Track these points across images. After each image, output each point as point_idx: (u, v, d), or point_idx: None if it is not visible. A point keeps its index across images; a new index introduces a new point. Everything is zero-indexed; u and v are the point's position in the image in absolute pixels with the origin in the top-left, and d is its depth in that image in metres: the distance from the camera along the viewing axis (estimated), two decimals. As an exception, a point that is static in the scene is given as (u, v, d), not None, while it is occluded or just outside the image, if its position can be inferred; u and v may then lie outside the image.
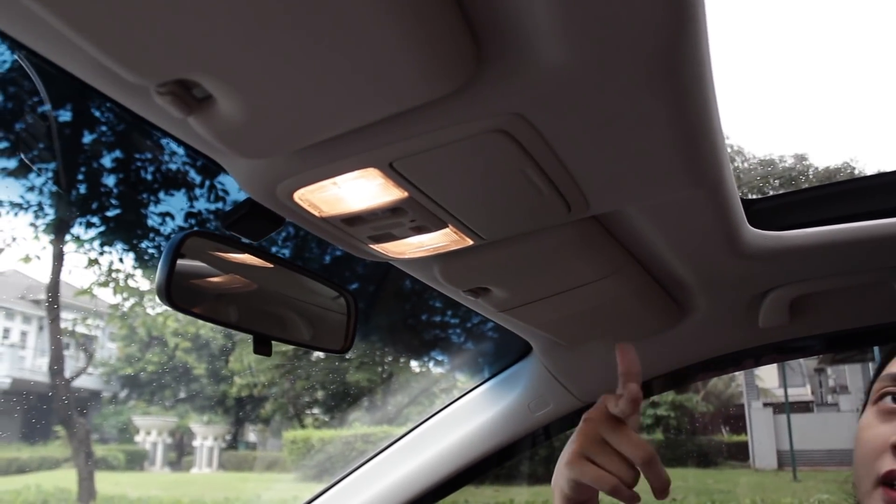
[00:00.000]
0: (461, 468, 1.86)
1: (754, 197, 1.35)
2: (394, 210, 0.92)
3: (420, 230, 0.98)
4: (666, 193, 1.01)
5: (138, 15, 0.57)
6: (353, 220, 0.95)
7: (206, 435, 15.38)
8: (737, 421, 17.14)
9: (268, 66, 0.63)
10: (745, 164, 12.20)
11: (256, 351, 1.04)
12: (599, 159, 0.89)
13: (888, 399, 0.97)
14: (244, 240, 1.01)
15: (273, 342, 1.09)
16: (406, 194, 0.88)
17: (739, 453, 16.18)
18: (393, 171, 0.83)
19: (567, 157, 0.87)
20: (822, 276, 1.46)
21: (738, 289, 1.48)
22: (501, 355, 1.93)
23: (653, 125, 0.83)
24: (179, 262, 0.95)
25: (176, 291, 0.95)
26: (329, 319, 1.25)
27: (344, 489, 1.93)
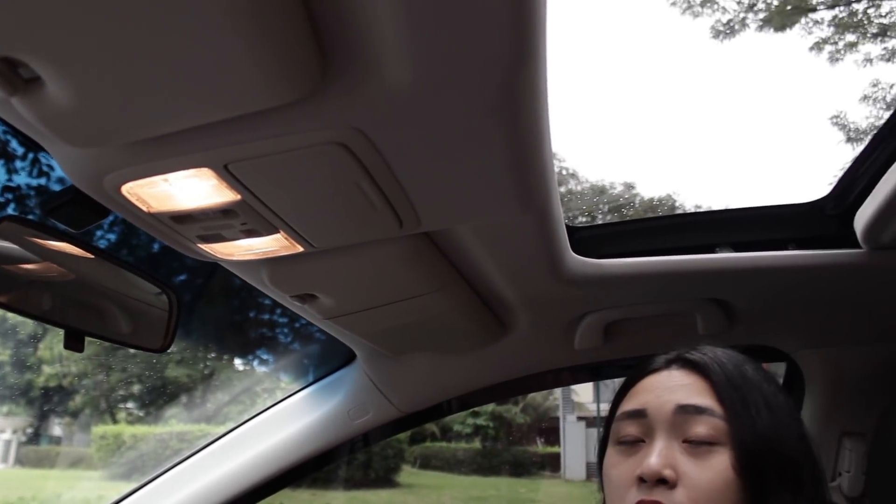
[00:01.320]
0: (279, 471, 1.84)
1: (579, 225, 1.42)
2: (225, 212, 0.90)
3: (251, 233, 0.97)
4: (495, 216, 1.05)
5: None
6: (182, 219, 0.92)
7: (4, 427, 14.34)
8: (552, 433, 17.77)
9: (102, 53, 0.61)
10: (579, 188, 12.69)
11: (67, 346, 0.99)
12: (434, 179, 0.91)
13: (626, 436, 1.03)
14: (62, 227, 0.96)
15: (87, 337, 1.04)
16: (239, 197, 0.87)
17: (552, 464, 16.76)
18: (227, 174, 0.81)
19: (402, 174, 0.88)
20: (635, 304, 1.56)
21: (558, 311, 1.55)
22: (327, 359, 1.92)
23: (487, 151, 0.86)
24: (-12, 246, 0.90)
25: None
26: (149, 316, 1.21)
27: (155, 489, 1.85)
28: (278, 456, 1.82)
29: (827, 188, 1.44)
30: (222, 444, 1.90)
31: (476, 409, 14.35)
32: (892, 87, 10.43)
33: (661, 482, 0.94)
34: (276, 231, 0.97)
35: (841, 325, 1.66)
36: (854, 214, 1.34)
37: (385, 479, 13.19)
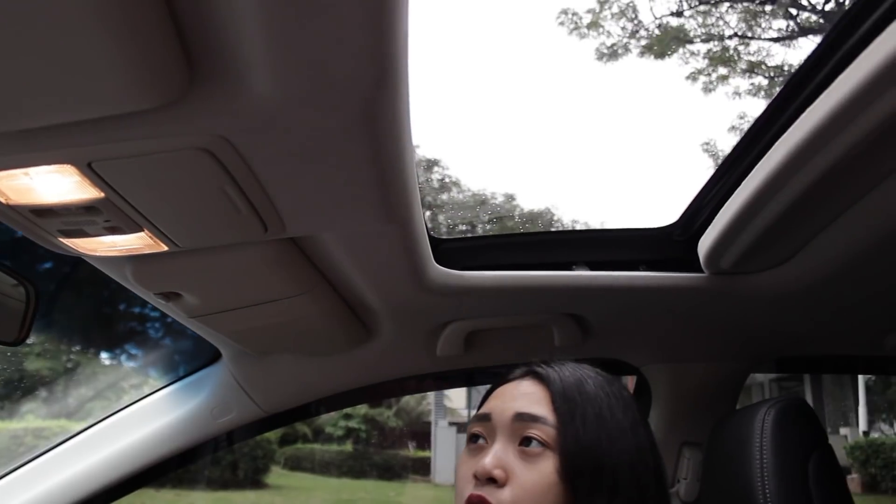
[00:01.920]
0: (138, 469, 1.81)
1: (444, 237, 1.47)
2: (88, 208, 0.90)
3: (114, 231, 0.97)
4: (358, 227, 1.09)
5: None
6: (42, 212, 0.91)
7: None
8: (423, 437, 17.92)
9: None
10: (461, 196, 12.85)
11: None
12: (298, 188, 0.94)
13: (473, 437, 1.14)
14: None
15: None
16: (102, 195, 0.87)
17: (422, 468, 16.90)
18: (91, 171, 0.82)
19: (267, 181, 0.91)
20: (496, 315, 1.62)
21: (421, 319, 1.60)
22: (195, 356, 1.90)
23: (350, 165, 0.90)
24: None
25: None
26: (5, 307, 1.18)
27: (3, 488, 1.80)
28: (138, 454, 1.79)
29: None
30: (80, 441, 1.85)
31: (348, 411, 14.31)
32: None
33: (492, 481, 1.03)
34: (140, 230, 0.97)
35: (685, 343, 1.78)
36: (698, 241, 1.44)
37: (253, 480, 13.00)
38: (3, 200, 0.88)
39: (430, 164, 12.60)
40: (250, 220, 0.98)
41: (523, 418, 1.08)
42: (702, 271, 1.49)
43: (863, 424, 14.79)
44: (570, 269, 1.53)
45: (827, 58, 1.01)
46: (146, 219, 0.94)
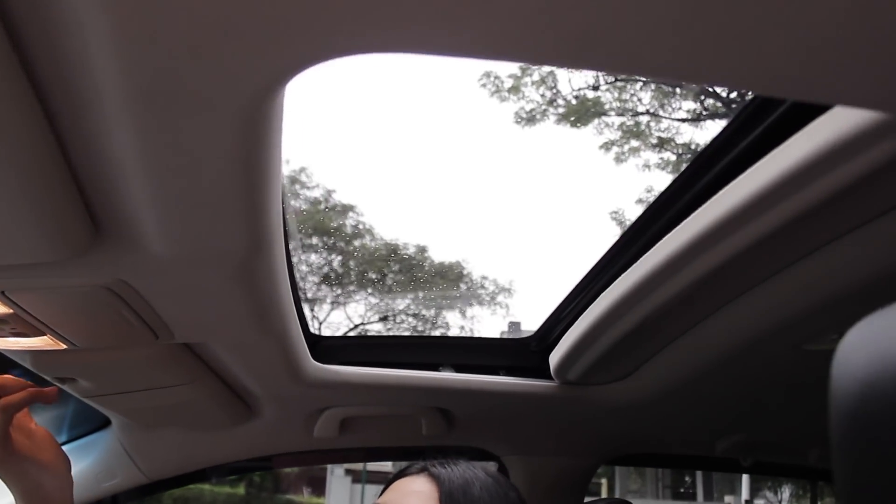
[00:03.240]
0: None
1: (324, 335, 1.63)
2: None
3: (19, 335, 1.10)
4: (238, 337, 1.24)
5: None
6: None
7: None
8: (319, 483, 17.74)
9: None
10: (374, 244, 12.94)
11: None
12: (186, 311, 1.09)
13: None
14: None
15: None
16: (11, 311, 1.00)
17: (315, 515, 16.74)
18: (3, 296, 0.95)
19: (161, 308, 1.05)
20: (366, 405, 1.78)
21: (299, 404, 1.75)
22: (84, 421, 1.98)
23: (234, 299, 1.05)
24: None
25: None
26: None
27: None
28: None
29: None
30: None
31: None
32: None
33: None
34: (43, 334, 1.10)
35: (540, 439, 1.96)
36: (550, 353, 1.63)
37: (139, 521, 12.60)
38: None
39: (346, 209, 12.67)
40: (143, 331, 1.11)
41: None
42: (553, 380, 1.67)
43: (745, 493, 15.25)
44: (437, 369, 1.70)
45: (676, 197, 1.13)
46: (49, 328, 1.07)
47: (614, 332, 1.30)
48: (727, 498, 15.57)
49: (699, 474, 17.91)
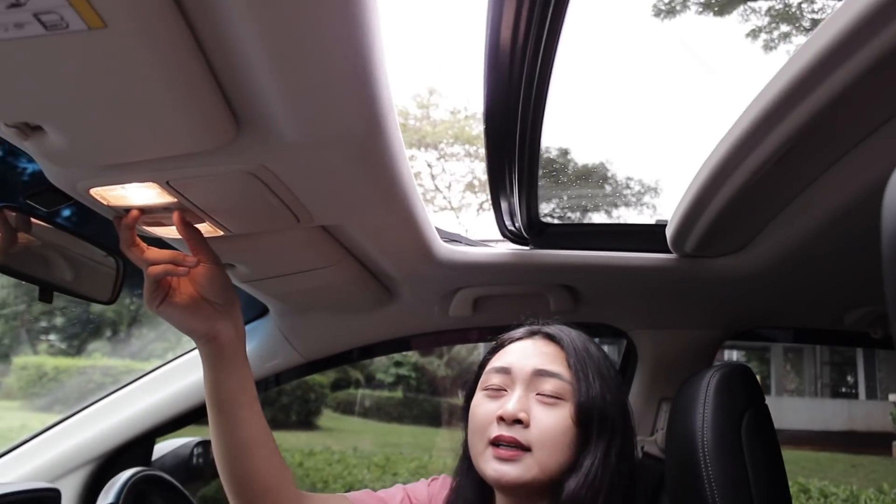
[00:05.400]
0: (195, 406, 2.15)
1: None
2: (166, 208, 1.19)
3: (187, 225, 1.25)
4: (370, 218, 1.36)
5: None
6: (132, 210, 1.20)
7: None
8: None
9: (83, 116, 0.88)
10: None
11: (41, 298, 1.26)
12: (321, 193, 1.21)
13: (492, 385, 1.34)
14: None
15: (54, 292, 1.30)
16: (175, 200, 1.15)
17: (470, 416, 17.18)
18: (168, 186, 1.10)
19: (298, 191, 1.18)
20: (496, 284, 1.90)
21: (434, 286, 1.89)
22: (248, 310, 2.19)
23: (360, 179, 1.17)
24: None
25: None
26: (99, 273, 1.45)
27: (91, 415, 2.15)
28: (194, 392, 2.12)
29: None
30: (146, 381, 2.19)
31: (399, 359, 14.53)
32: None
33: (517, 422, 1.25)
34: (202, 221, 1.26)
35: (665, 313, 2.03)
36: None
37: (306, 423, 13.33)
38: (105, 203, 1.17)
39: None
40: (286, 214, 1.25)
41: (542, 374, 1.29)
42: (671, 252, 1.70)
43: (913, 390, 14.60)
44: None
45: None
46: (207, 214, 1.23)
47: (723, 195, 1.27)
48: (891, 396, 14.88)
49: (861, 372, 17.20)
